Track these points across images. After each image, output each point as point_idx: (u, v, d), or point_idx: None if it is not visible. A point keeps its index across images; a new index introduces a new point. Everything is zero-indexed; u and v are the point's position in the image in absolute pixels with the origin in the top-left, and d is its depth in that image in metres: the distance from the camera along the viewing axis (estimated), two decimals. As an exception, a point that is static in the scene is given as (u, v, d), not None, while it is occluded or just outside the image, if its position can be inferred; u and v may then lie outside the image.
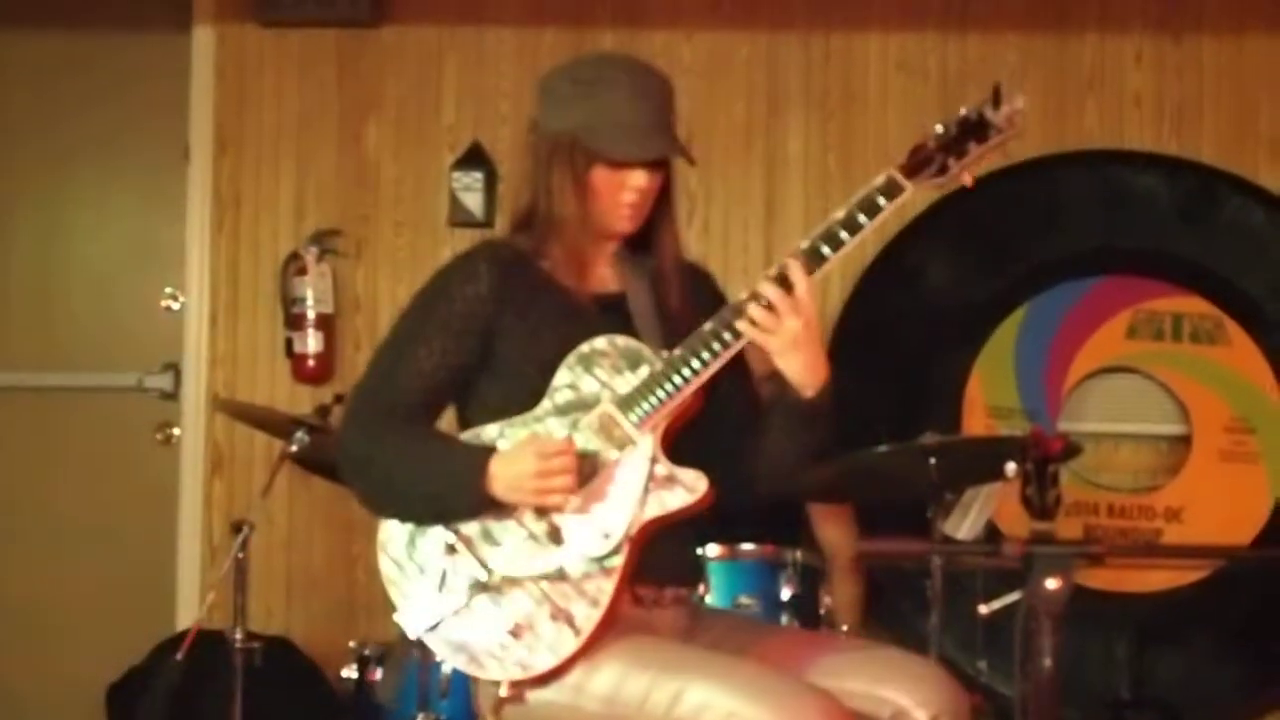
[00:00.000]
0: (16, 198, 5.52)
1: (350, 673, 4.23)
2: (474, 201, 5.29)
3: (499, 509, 2.87)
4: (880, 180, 2.83)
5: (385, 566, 2.93)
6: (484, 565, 2.88)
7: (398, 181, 5.38)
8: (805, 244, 2.86)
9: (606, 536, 2.86)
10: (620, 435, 2.89)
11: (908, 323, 5.08)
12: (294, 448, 4.18)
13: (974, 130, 2.80)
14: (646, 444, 2.90)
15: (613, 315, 3.00)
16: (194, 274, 5.39)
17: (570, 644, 2.84)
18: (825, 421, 2.96)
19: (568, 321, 2.96)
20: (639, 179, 2.96)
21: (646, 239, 3.06)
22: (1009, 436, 4.56)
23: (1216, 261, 5.12)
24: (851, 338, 5.05)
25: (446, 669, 3.98)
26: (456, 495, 2.87)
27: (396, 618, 2.90)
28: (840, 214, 2.84)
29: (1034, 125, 5.26)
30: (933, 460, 4.03)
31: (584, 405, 2.91)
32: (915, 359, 5.01)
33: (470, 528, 2.89)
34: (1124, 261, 5.14)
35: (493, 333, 2.94)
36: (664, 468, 2.89)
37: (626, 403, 2.90)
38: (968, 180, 2.82)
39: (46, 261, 5.50)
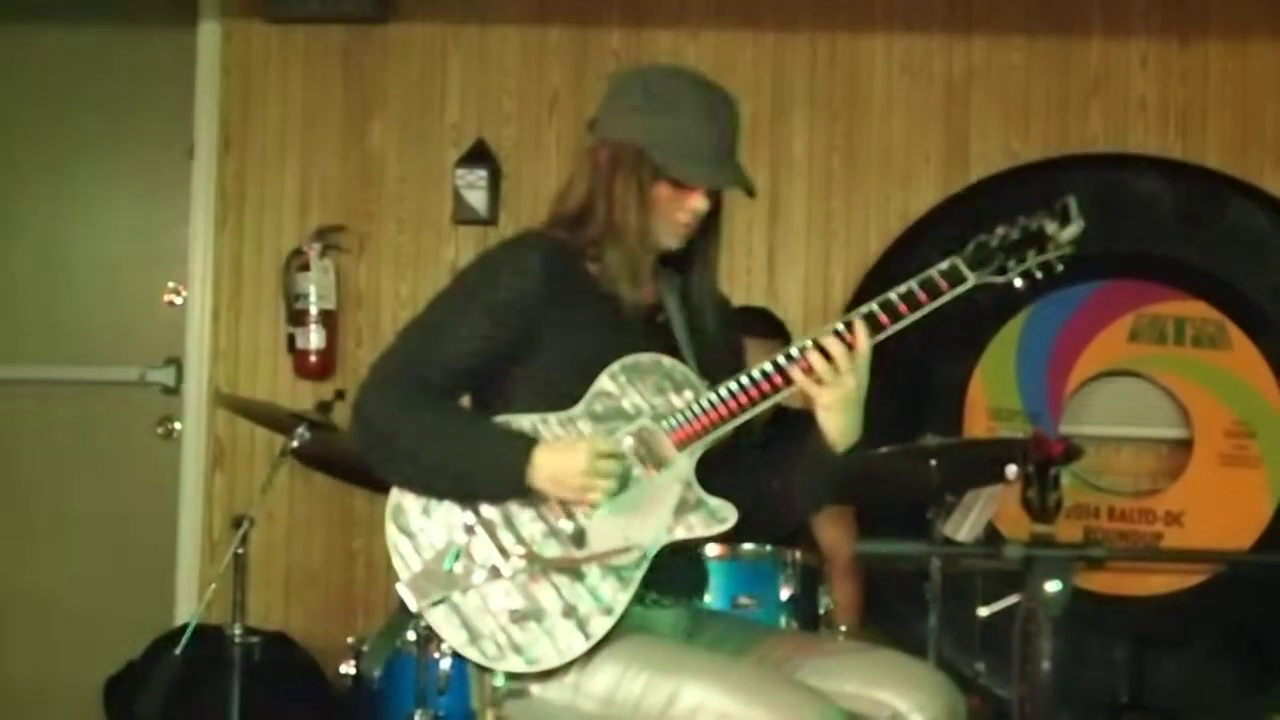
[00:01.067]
0: (21, 193, 5.52)
1: (348, 669, 4.23)
2: (478, 199, 5.29)
3: (527, 499, 2.88)
4: (945, 265, 2.89)
5: (393, 536, 2.91)
6: (502, 551, 2.88)
7: (401, 178, 5.38)
8: (864, 310, 2.89)
9: (630, 550, 2.87)
10: (659, 454, 2.90)
11: (910, 324, 5.08)
12: (295, 443, 4.18)
13: (1035, 241, 2.88)
14: (683, 467, 2.91)
15: (655, 329, 3.03)
16: (197, 269, 5.39)
17: (579, 646, 2.85)
18: (847, 476, 3.00)
19: (612, 329, 2.96)
20: (699, 201, 2.97)
21: (680, 255, 3.07)
22: (1010, 439, 4.56)
23: (1219, 266, 5.12)
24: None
25: (445, 665, 3.99)
26: (495, 478, 2.86)
27: (399, 588, 2.89)
28: (901, 288, 2.89)
29: (1038, 128, 5.27)
30: (933, 462, 4.03)
31: (623, 416, 2.91)
32: (917, 361, 5.00)
33: (492, 512, 2.89)
34: (1127, 265, 5.13)
35: (535, 327, 2.93)
36: (696, 493, 2.91)
37: (669, 422, 2.90)
38: (1018, 283, 2.90)
39: (50, 256, 5.51)
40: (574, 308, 2.95)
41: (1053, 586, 2.51)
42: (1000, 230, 2.89)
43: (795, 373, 2.87)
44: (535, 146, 5.35)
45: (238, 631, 4.14)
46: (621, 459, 2.87)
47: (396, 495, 2.93)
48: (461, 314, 2.93)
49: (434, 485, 2.89)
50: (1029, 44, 5.29)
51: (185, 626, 4.04)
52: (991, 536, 4.35)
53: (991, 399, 5.14)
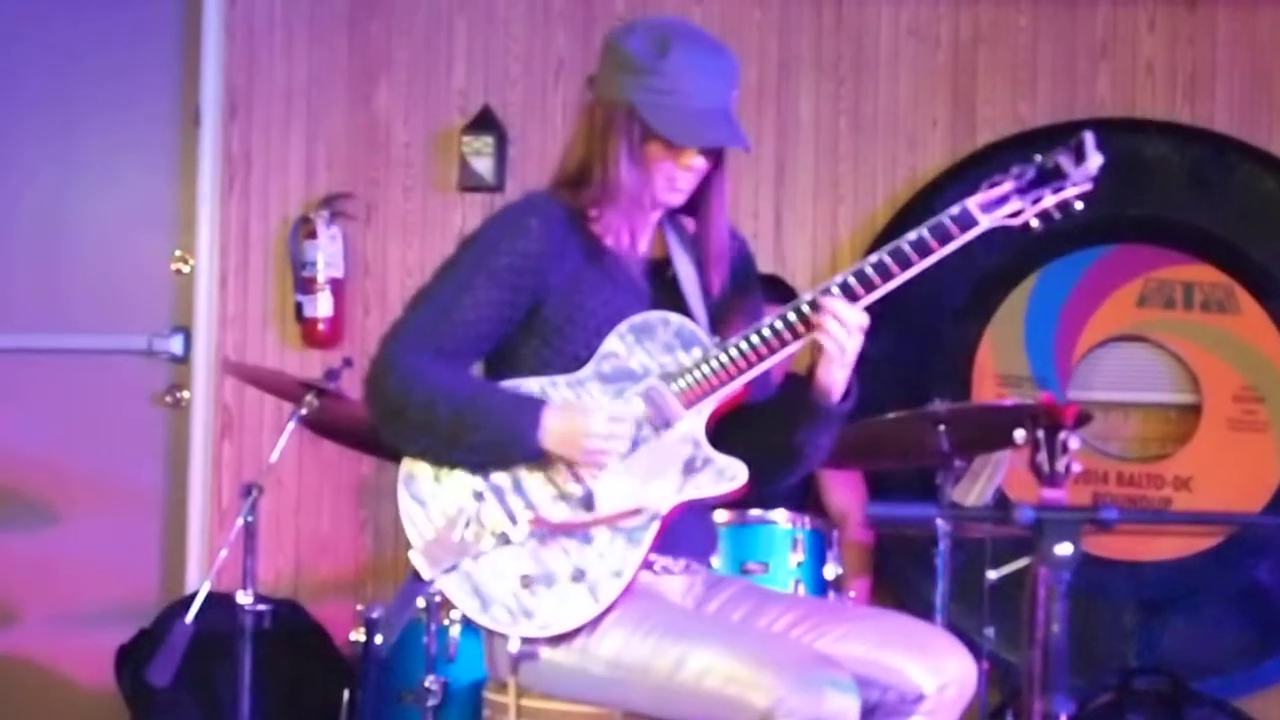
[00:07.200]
0: (26, 159, 5.50)
1: (358, 636, 4.24)
2: (484, 165, 5.28)
3: (538, 463, 2.88)
4: (956, 210, 2.84)
5: (405, 504, 2.93)
6: (511, 517, 2.88)
7: (408, 145, 5.37)
8: (874, 258, 2.86)
9: (640, 512, 2.87)
10: (666, 414, 2.91)
11: (918, 290, 5.06)
12: (303, 411, 4.18)
13: (1050, 178, 2.82)
14: (692, 426, 2.91)
15: (661, 286, 3.02)
16: (204, 237, 5.38)
17: (589, 610, 2.86)
18: (839, 427, 2.99)
19: (617, 288, 2.97)
20: (693, 159, 2.96)
21: (689, 206, 3.06)
22: (1019, 404, 4.55)
23: (1228, 230, 5.11)
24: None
25: (454, 632, 4.01)
26: (508, 444, 2.86)
27: (411, 555, 2.90)
28: (912, 235, 2.84)
29: (1045, 92, 5.25)
30: (942, 427, 4.03)
31: (631, 377, 2.92)
32: (926, 326, 5.00)
33: (502, 478, 2.90)
34: (1135, 230, 5.12)
35: (540, 291, 2.93)
36: (705, 452, 2.91)
37: (677, 382, 2.90)
38: (1034, 224, 2.84)
39: (56, 224, 5.49)
40: (578, 269, 2.95)
41: (1063, 549, 2.51)
42: (1014, 170, 2.84)
43: (814, 325, 2.86)
44: (541, 112, 5.34)
45: (248, 599, 4.15)
46: (631, 423, 2.87)
47: (409, 463, 2.94)
48: (466, 283, 2.93)
49: (449, 454, 2.90)
50: (1035, 7, 5.26)
51: (196, 594, 4.04)
52: (1000, 502, 4.35)
53: (1000, 365, 5.13)
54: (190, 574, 5.29)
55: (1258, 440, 5.06)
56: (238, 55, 5.40)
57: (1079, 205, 2.84)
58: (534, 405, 2.87)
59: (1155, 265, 5.13)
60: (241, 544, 4.14)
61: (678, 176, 2.97)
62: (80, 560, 5.35)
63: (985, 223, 2.83)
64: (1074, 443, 2.76)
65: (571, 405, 2.88)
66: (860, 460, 4.50)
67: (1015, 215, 2.84)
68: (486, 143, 5.28)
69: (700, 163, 2.97)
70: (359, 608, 4.30)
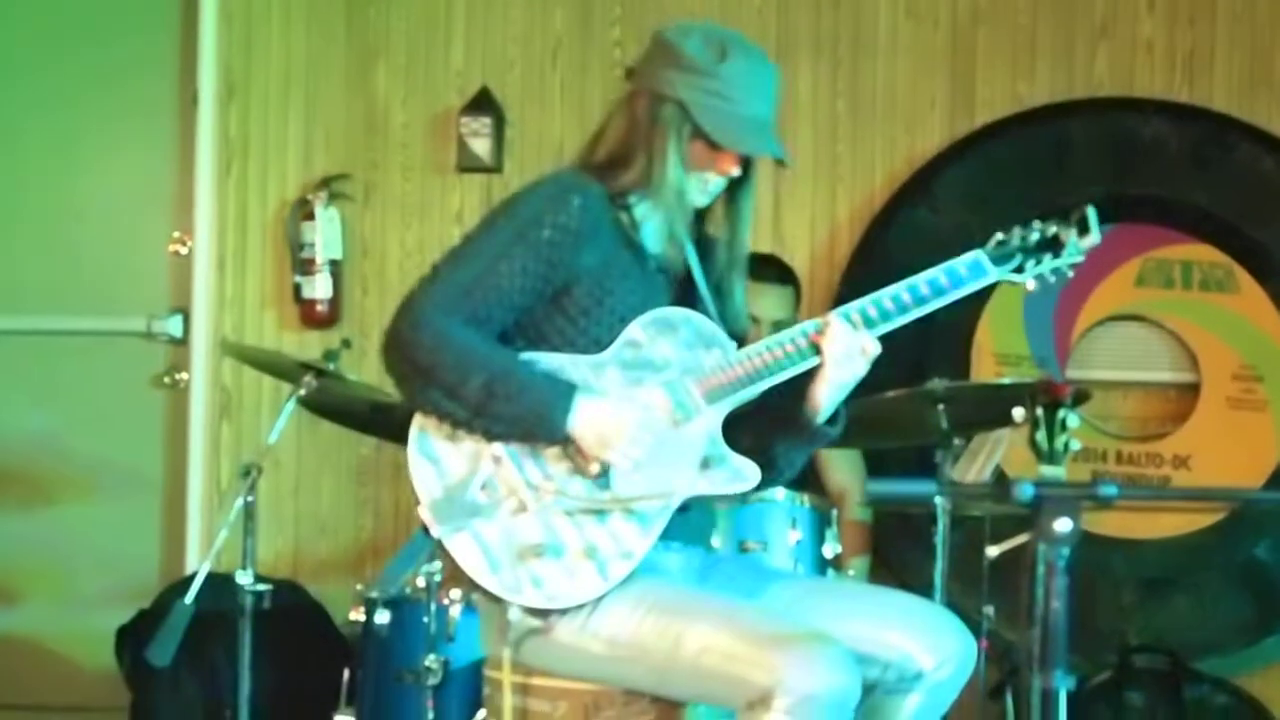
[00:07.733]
0: (24, 142, 5.50)
1: (357, 616, 4.24)
2: (482, 147, 5.27)
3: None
4: (969, 258, 2.96)
5: (416, 461, 2.92)
6: (528, 483, 2.89)
7: (406, 126, 5.37)
8: (890, 291, 2.95)
9: (654, 500, 2.88)
10: (688, 407, 2.92)
11: (917, 269, 5.07)
12: (302, 392, 4.18)
13: (1052, 246, 2.96)
14: (711, 421, 2.94)
15: (680, 283, 3.06)
16: (202, 219, 5.38)
17: (596, 588, 2.87)
18: (817, 447, 3.10)
19: (644, 278, 2.99)
20: (730, 165, 2.99)
21: (701, 212, 3.09)
22: (1017, 382, 4.55)
23: (1227, 209, 5.10)
24: (861, 283, 5.02)
25: (454, 612, 4.01)
26: (538, 424, 2.86)
27: (420, 512, 2.90)
28: (928, 274, 2.95)
29: (1044, 72, 5.24)
30: (941, 406, 4.03)
31: (650, 368, 2.94)
32: (924, 306, 4.99)
33: (519, 444, 2.90)
34: (1134, 209, 5.11)
35: (574, 268, 2.93)
36: (721, 448, 2.94)
37: (700, 378, 2.93)
38: (1031, 285, 3.00)
39: (55, 206, 5.49)
40: (610, 253, 2.96)
41: (1062, 525, 2.51)
42: (1019, 231, 2.97)
43: (825, 341, 2.92)
44: (539, 94, 5.33)
45: (248, 579, 4.15)
46: (654, 437, 2.89)
47: (422, 419, 2.93)
48: (506, 251, 2.92)
49: (469, 422, 2.88)
50: (1035, -14, 5.27)
51: (195, 575, 4.04)
52: (999, 479, 4.35)
53: (998, 344, 5.13)
54: (190, 554, 5.30)
55: (1256, 419, 5.06)
56: (235, 37, 5.40)
57: (1070, 275, 2.99)
58: (568, 389, 2.87)
59: (1154, 244, 5.12)
60: (241, 524, 4.15)
61: (711, 180, 3.00)
62: (80, 541, 5.36)
63: (993, 275, 2.96)
64: (1072, 421, 2.79)
65: (608, 403, 2.88)
66: (859, 438, 4.47)
67: (1019, 271, 2.97)
68: (484, 124, 5.28)
69: (736, 170, 3.00)
70: (358, 587, 4.31)
